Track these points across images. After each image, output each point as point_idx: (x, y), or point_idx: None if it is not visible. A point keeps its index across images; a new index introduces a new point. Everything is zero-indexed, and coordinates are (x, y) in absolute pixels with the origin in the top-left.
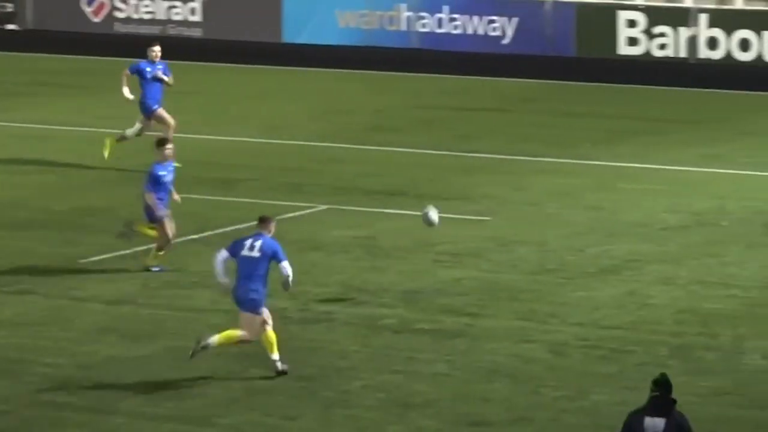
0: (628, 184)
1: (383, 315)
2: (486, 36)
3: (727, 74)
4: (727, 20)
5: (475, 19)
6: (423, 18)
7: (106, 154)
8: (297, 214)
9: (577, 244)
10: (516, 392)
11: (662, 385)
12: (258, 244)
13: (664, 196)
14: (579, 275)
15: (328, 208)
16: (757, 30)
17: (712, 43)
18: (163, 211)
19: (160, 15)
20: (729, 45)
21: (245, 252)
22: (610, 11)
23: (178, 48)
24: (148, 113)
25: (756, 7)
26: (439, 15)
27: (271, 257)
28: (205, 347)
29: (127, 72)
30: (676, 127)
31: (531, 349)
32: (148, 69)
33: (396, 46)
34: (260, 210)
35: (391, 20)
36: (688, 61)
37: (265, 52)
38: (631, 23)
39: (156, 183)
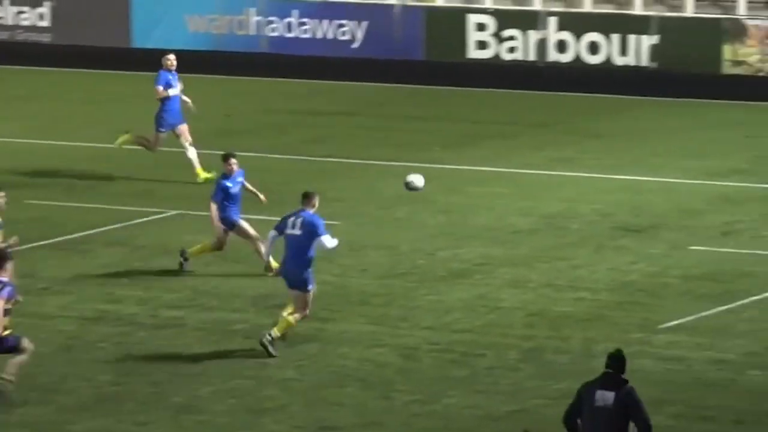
0: (478, 187)
1: (234, 320)
2: (335, 40)
3: (577, 77)
4: (576, 23)
5: (325, 23)
6: (272, 22)
7: (119, 140)
8: (146, 219)
9: (427, 247)
10: (367, 397)
11: (615, 360)
12: (299, 221)
13: (514, 200)
14: (430, 279)
15: (177, 214)
16: (606, 33)
17: (562, 46)
18: (222, 222)
19: (8, 20)
20: (578, 48)
21: (288, 230)
22: (460, 15)
23: (27, 53)
24: (167, 128)
25: (604, 10)
26: (288, 19)
27: (312, 233)
28: (272, 341)
29: (159, 88)
30: (526, 131)
31: (382, 353)
32: (170, 76)
33: (245, 50)
34: (109, 215)
35: (241, 24)
36: (538, 65)
37: (114, 57)
38: (481, 27)
39: (225, 195)
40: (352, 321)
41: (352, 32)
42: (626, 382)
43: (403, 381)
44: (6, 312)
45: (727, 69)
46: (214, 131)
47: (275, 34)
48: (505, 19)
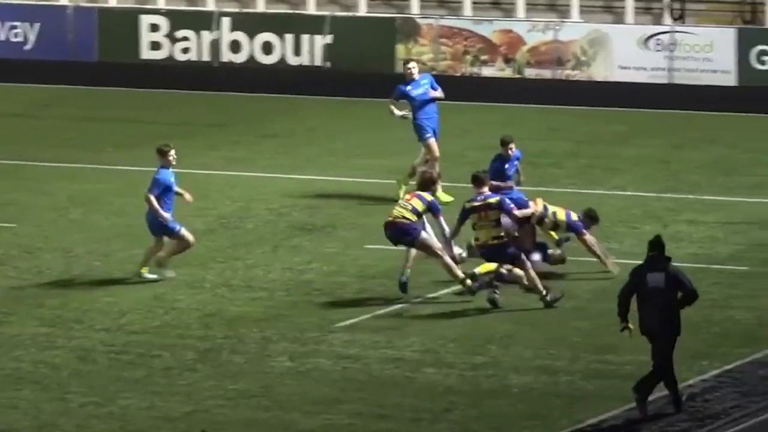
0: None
1: None
2: (8, 42)
3: (251, 77)
4: (249, 24)
5: None
6: None
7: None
8: None
9: (103, 249)
10: (42, 399)
11: (657, 245)
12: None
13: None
14: (106, 281)
15: None
16: (280, 33)
17: (235, 46)
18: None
19: None
20: (252, 48)
21: None
22: (133, 15)
23: None
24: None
25: (278, 11)
26: None
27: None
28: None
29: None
30: (201, 131)
31: (57, 355)
32: (409, 88)
33: None
34: None
35: None
36: (212, 65)
37: None
38: (154, 27)
39: None
40: (26, 324)
41: (25, 34)
42: (669, 260)
43: (79, 383)
44: None
45: (401, 68)
46: None
47: None
48: (178, 19)
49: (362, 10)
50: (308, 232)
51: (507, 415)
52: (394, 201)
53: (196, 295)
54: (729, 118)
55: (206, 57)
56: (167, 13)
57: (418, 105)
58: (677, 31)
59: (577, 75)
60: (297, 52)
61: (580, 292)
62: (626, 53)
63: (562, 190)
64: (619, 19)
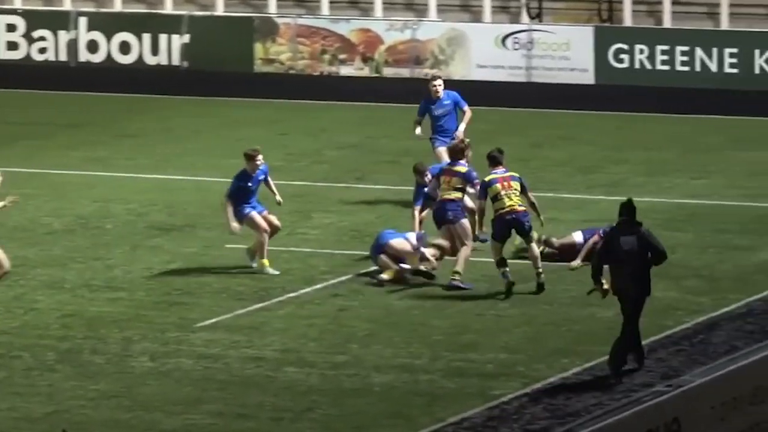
0: (10, 189)
1: None
2: None
3: (108, 77)
4: (106, 23)
5: None
6: None
7: None
8: None
9: None
10: None
11: (628, 209)
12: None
13: (47, 201)
14: None
15: None
16: (137, 33)
17: (93, 46)
18: None
19: None
20: (109, 48)
21: None
22: None
23: None
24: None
25: (135, 10)
26: None
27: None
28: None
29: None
30: (59, 131)
31: None
32: (432, 107)
33: None
34: None
35: None
36: (69, 65)
37: None
38: (10, 27)
39: None
40: None
41: None
42: (640, 224)
43: None
44: None
45: (259, 67)
46: None
47: None
48: (35, 19)
49: (220, 10)
50: (167, 232)
51: (368, 413)
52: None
53: (55, 295)
54: (587, 116)
55: (63, 57)
56: (24, 13)
57: (436, 125)
58: (535, 30)
59: (435, 74)
60: (155, 51)
61: (441, 290)
62: (484, 52)
63: None
64: (476, 17)
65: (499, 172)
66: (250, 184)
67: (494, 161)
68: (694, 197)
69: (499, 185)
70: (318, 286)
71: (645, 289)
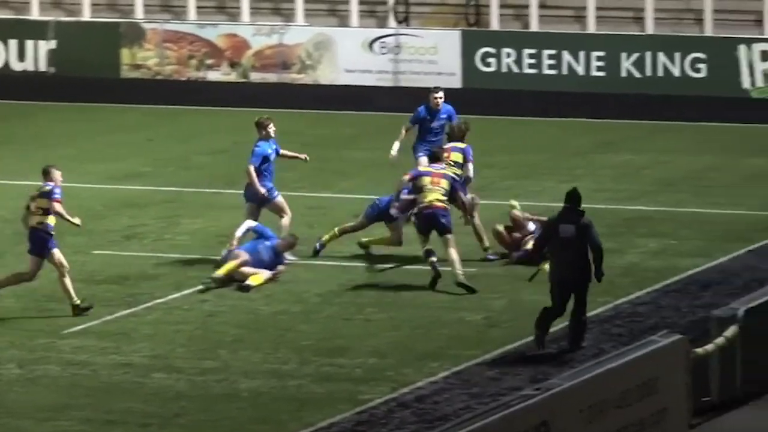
0: None
1: None
2: None
3: None
4: None
5: None
6: None
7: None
8: None
9: None
10: None
11: (572, 197)
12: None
13: None
14: None
15: None
16: (3, 38)
17: None
18: None
19: None
20: None
21: None
22: None
23: None
24: None
25: (1, 16)
26: None
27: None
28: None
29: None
30: None
31: None
32: (429, 118)
33: None
34: None
35: None
36: None
37: None
38: None
39: None
40: None
41: None
42: (583, 214)
43: None
44: None
45: (126, 73)
46: None
47: None
48: None
49: (86, 15)
50: None
51: (237, 419)
52: (125, 205)
53: None
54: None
55: None
56: None
57: (427, 135)
58: (402, 34)
59: (303, 78)
60: (21, 57)
61: (309, 296)
62: (351, 56)
63: (291, 193)
64: (343, 22)
65: (437, 168)
66: (269, 152)
67: (435, 157)
68: (563, 201)
69: (428, 179)
70: (186, 291)
71: (584, 275)
